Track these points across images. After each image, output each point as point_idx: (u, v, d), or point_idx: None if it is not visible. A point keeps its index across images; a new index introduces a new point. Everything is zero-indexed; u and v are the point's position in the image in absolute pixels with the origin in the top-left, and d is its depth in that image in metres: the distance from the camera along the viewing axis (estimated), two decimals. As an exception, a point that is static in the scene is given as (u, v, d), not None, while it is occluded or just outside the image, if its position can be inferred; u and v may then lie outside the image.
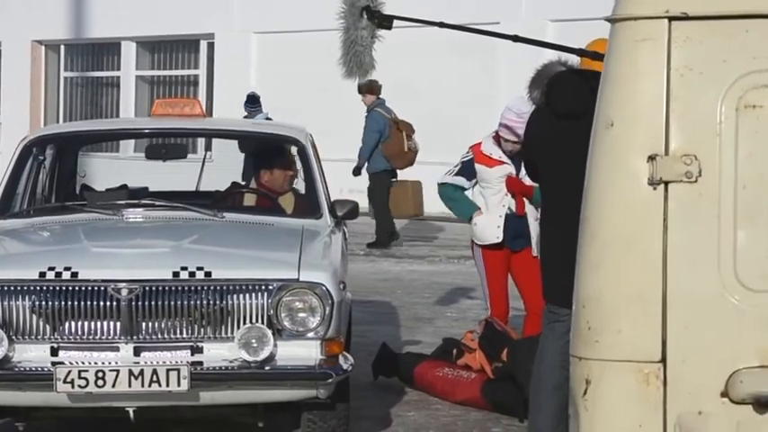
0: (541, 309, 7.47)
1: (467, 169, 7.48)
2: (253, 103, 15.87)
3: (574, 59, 5.68)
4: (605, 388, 3.39)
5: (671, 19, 3.38)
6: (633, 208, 3.37)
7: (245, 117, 15.30)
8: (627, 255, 3.37)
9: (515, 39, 5.58)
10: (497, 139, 7.42)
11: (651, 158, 3.37)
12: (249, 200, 7.27)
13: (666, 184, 3.37)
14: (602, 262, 3.40)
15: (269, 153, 7.32)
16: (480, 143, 7.53)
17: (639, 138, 3.38)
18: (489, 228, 7.44)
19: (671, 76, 3.37)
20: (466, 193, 7.62)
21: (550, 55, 5.93)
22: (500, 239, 7.40)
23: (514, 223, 7.40)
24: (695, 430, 3.35)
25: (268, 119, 14.69)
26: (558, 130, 5.35)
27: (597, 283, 3.40)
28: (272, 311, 5.46)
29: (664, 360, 3.36)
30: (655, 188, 3.37)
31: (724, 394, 3.36)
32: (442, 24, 5.86)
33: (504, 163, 7.39)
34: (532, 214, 7.37)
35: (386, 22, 5.77)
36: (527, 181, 7.21)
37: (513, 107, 7.28)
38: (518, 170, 7.35)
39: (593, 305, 3.40)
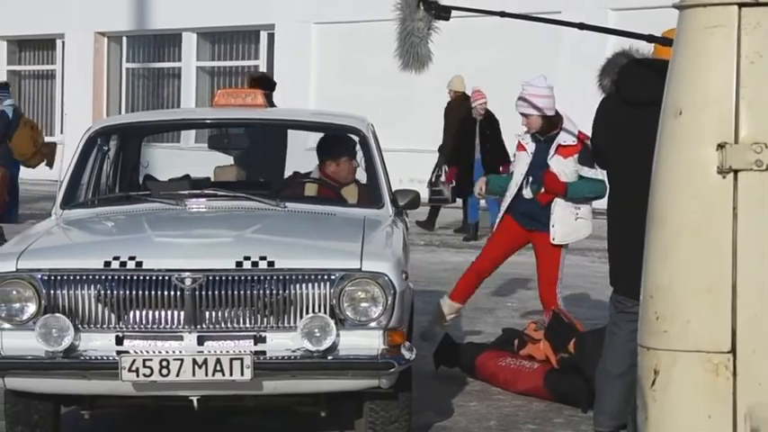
0: (546, 301, 7.55)
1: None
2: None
3: (644, 49, 5.61)
4: (674, 379, 3.35)
5: (741, 5, 3.33)
6: (702, 197, 3.33)
7: None
8: (696, 244, 3.33)
9: (581, 26, 5.52)
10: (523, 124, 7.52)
11: (720, 147, 3.32)
12: (311, 190, 7.28)
13: (736, 172, 3.32)
14: (671, 251, 3.36)
15: (333, 143, 7.33)
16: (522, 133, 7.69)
17: (708, 126, 3.34)
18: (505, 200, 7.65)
19: (740, 63, 3.33)
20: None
21: (614, 46, 5.87)
22: (500, 218, 7.59)
23: (528, 204, 7.48)
24: (766, 421, 3.31)
25: (15, 107, 15.05)
26: (628, 118, 5.30)
27: (666, 272, 3.37)
28: (334, 301, 5.46)
29: (733, 350, 3.32)
30: (724, 177, 3.33)
31: (795, 385, 3.32)
32: (503, 14, 5.78)
33: (525, 150, 7.54)
34: (564, 206, 7.40)
35: (443, 12, 5.71)
36: (561, 177, 7.28)
37: (531, 81, 7.44)
38: (541, 156, 7.38)
39: (662, 295, 3.37)
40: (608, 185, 5.75)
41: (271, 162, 9.62)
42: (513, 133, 8.06)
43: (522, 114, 7.42)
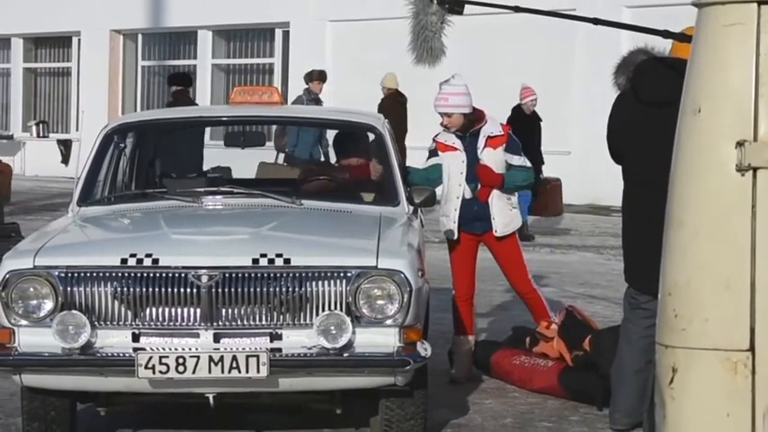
0: (526, 291, 7.54)
1: (433, 154, 7.55)
2: None
3: (659, 47, 5.60)
4: (692, 377, 3.34)
5: (760, 3, 3.32)
6: (721, 195, 3.33)
7: None
8: (715, 242, 3.32)
9: (595, 21, 5.49)
10: (444, 124, 7.46)
11: (739, 144, 3.32)
12: (327, 187, 7.28)
13: (755, 170, 3.32)
14: (690, 249, 3.35)
15: (349, 141, 7.33)
16: (439, 133, 7.59)
17: (727, 124, 3.33)
18: (447, 224, 7.52)
19: (760, 61, 3.32)
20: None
21: (628, 42, 5.85)
22: (455, 236, 7.46)
23: (471, 208, 7.42)
24: (785, 420, 3.30)
25: None
26: (643, 117, 5.30)
27: (684, 270, 3.36)
28: (350, 298, 5.46)
29: (752, 348, 3.31)
30: (743, 174, 3.32)
31: (814, 384, 3.31)
32: (517, 9, 5.75)
33: (456, 149, 7.43)
34: (499, 197, 7.42)
35: (457, 6, 5.69)
36: (494, 168, 7.28)
37: (448, 81, 7.43)
38: (471, 152, 7.38)
39: (680, 293, 3.36)
40: (623, 182, 5.75)
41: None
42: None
43: (443, 115, 7.41)
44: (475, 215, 7.44)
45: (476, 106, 7.50)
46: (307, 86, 16.03)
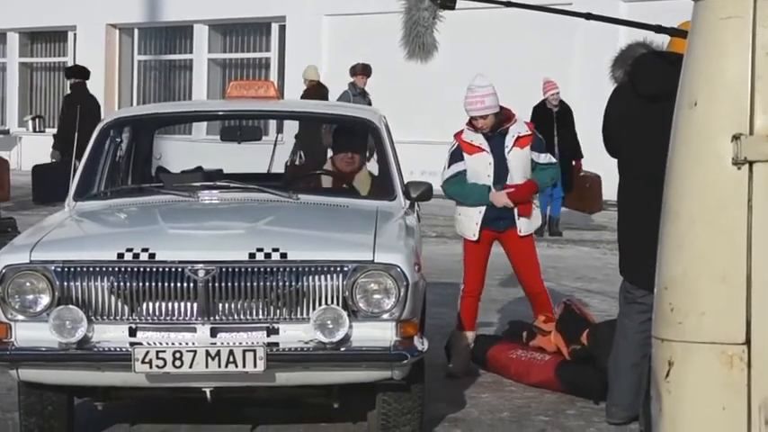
0: (538, 291, 7.54)
1: (457, 156, 7.47)
2: None
3: (657, 41, 5.59)
4: (688, 370, 3.35)
5: (756, -4, 3.32)
6: (717, 188, 3.32)
7: None
8: (711, 235, 3.32)
9: (588, 16, 5.48)
10: (472, 124, 7.42)
11: (736, 138, 3.31)
12: (323, 181, 7.28)
13: (751, 164, 3.31)
14: (686, 243, 3.35)
15: (345, 135, 7.32)
16: (462, 131, 7.53)
17: (724, 117, 3.33)
18: (468, 225, 7.51)
19: (756, 55, 3.31)
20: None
21: (626, 38, 5.85)
22: (476, 237, 7.45)
23: (496, 208, 7.41)
24: (781, 414, 3.31)
25: None
26: (641, 110, 5.30)
27: (680, 264, 3.36)
28: (347, 293, 5.46)
29: (748, 342, 3.31)
30: (739, 168, 3.32)
31: (810, 377, 3.31)
32: (509, 4, 5.74)
33: (483, 150, 7.39)
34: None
35: (449, 2, 5.68)
36: (520, 168, 7.27)
37: (476, 83, 7.40)
38: (497, 151, 7.34)
39: (676, 286, 3.36)
40: (619, 175, 5.74)
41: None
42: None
43: (478, 118, 7.37)
44: (499, 214, 7.42)
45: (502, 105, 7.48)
46: (351, 81, 15.93)
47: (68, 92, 15.22)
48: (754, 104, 3.32)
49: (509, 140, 7.38)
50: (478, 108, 7.34)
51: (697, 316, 3.34)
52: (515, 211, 7.40)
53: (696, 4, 3.42)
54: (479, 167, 7.39)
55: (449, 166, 7.48)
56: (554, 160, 7.50)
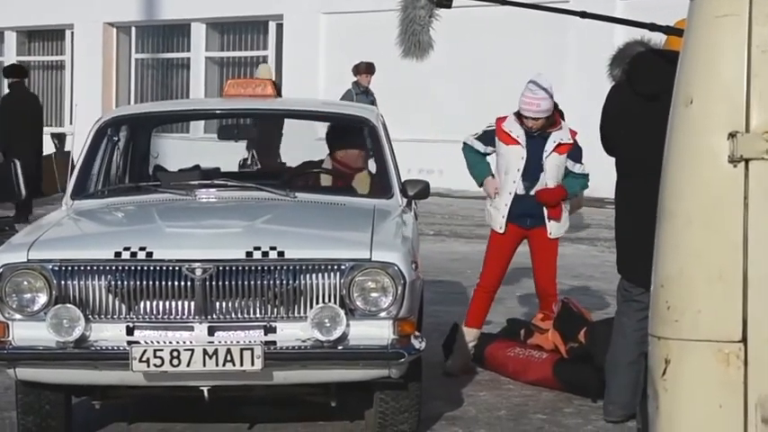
0: (551, 293, 7.54)
1: (487, 137, 7.49)
2: None
3: (655, 39, 5.61)
4: (685, 368, 3.35)
5: (752, -7, 3.32)
6: (713, 186, 3.33)
7: None
8: (707, 233, 3.33)
9: (583, 15, 5.50)
10: (520, 117, 7.41)
11: (731, 136, 3.32)
12: (321, 180, 7.28)
13: (747, 161, 3.32)
14: (682, 241, 3.36)
15: (343, 133, 7.33)
16: (505, 118, 7.52)
17: (719, 115, 3.33)
18: (496, 216, 7.50)
19: (752, 53, 3.32)
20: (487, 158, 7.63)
21: (622, 37, 5.86)
22: (503, 230, 7.44)
23: (522, 204, 7.40)
24: (777, 411, 3.31)
25: None
26: (638, 108, 5.31)
27: (676, 262, 3.36)
28: (344, 291, 5.46)
29: (744, 340, 3.32)
30: (735, 166, 3.32)
31: (806, 374, 3.31)
32: (505, 2, 5.75)
33: (518, 144, 7.38)
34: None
35: (445, 0, 5.69)
36: (553, 173, 7.29)
37: (538, 83, 7.35)
38: (534, 151, 7.34)
39: (673, 284, 3.37)
40: (616, 173, 5.76)
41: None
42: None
43: (529, 118, 7.34)
44: (526, 211, 7.42)
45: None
46: (355, 79, 15.91)
47: (7, 91, 15.26)
48: (749, 102, 3.33)
49: (549, 145, 7.36)
50: (533, 110, 7.30)
51: (693, 314, 3.34)
52: (545, 213, 7.40)
53: (692, 2, 3.43)
54: (512, 158, 7.39)
55: (476, 138, 7.47)
56: (587, 171, 7.48)
